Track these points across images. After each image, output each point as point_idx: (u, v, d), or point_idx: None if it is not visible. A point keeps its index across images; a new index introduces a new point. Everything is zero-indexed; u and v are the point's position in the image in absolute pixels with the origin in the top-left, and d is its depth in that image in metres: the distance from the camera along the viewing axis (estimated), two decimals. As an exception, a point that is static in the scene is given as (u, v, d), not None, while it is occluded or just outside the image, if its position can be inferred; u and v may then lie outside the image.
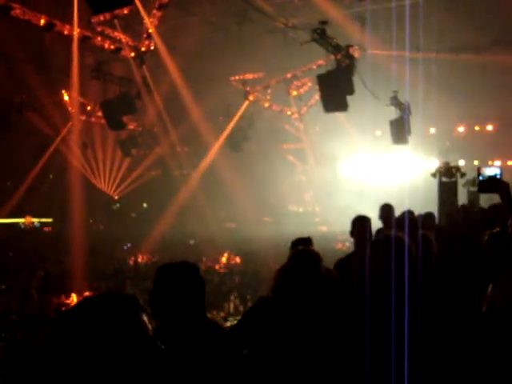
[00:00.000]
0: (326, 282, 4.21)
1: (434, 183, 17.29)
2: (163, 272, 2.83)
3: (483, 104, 29.91)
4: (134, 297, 1.68)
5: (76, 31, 18.22)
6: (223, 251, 22.95)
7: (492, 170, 4.93)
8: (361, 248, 4.93)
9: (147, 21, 19.24)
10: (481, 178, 4.78)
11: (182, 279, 2.76)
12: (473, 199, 16.27)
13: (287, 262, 3.65)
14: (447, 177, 15.57)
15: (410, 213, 5.83)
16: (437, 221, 8.53)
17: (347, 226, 5.78)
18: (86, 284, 14.50)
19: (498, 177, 4.64)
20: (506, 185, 4.30)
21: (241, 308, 13.25)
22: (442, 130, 34.92)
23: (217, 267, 20.74)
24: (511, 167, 32.26)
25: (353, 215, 5.62)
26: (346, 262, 4.97)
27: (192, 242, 29.00)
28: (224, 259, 22.06)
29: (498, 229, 4.24)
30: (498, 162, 32.17)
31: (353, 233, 5.21)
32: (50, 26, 17.27)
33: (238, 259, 21.86)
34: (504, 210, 4.29)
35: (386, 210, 5.89)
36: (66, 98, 32.08)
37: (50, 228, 37.62)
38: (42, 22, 16.94)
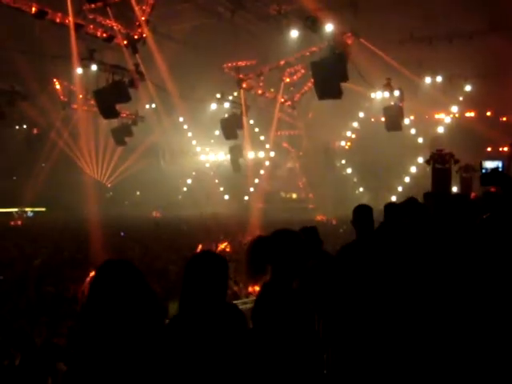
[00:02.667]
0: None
1: (426, 168, 17.39)
2: (195, 262, 3.10)
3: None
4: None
5: (69, 19, 18.06)
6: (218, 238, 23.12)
7: (494, 163, 4.98)
8: (363, 237, 4.96)
9: (139, 8, 19.09)
10: (483, 171, 4.82)
11: (212, 270, 3.04)
12: (466, 185, 16.40)
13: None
14: (441, 163, 15.63)
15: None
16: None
17: (341, 212, 5.83)
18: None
19: (500, 169, 4.65)
20: (509, 178, 4.34)
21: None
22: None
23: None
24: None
25: (346, 202, 5.64)
26: (348, 250, 4.99)
27: (185, 227, 28.96)
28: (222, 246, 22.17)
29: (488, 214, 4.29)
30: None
31: (354, 222, 5.21)
32: (41, 13, 17.07)
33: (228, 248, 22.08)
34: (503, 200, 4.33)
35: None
36: (57, 86, 31.93)
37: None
38: (34, 9, 16.76)
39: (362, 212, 5.20)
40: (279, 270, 3.46)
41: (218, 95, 28.88)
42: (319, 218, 30.65)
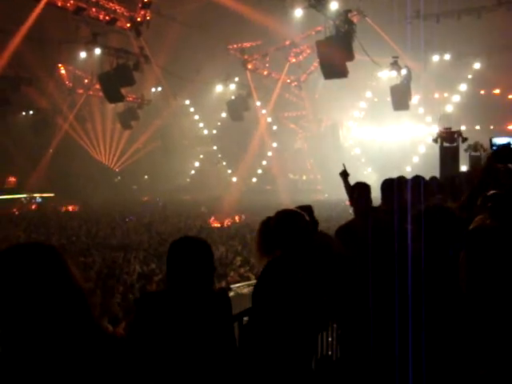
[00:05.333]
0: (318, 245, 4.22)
1: (435, 148, 17.21)
2: (177, 246, 3.00)
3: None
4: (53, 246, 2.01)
5: (71, 2, 17.91)
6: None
7: (504, 139, 4.86)
8: (360, 216, 4.88)
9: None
10: (494, 148, 4.71)
11: (196, 254, 2.95)
12: (475, 164, 16.20)
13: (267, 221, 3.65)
14: (449, 142, 15.44)
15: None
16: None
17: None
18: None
19: None
20: None
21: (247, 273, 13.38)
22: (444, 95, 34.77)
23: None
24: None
25: (354, 182, 5.55)
26: (346, 229, 4.91)
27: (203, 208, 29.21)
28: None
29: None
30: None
31: (351, 200, 5.12)
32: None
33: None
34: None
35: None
36: (62, 71, 31.85)
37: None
38: (35, -7, 16.66)
39: (359, 190, 5.11)
40: (284, 250, 3.47)
41: (224, 77, 28.73)
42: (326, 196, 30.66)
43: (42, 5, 17.92)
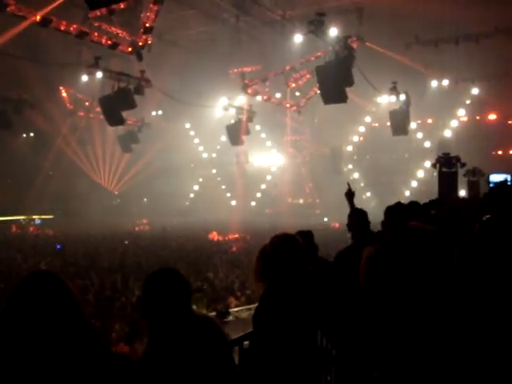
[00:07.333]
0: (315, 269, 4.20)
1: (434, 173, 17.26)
2: (151, 281, 2.95)
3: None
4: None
5: (74, 27, 18.11)
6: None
7: (501, 176, 4.84)
8: (359, 241, 4.88)
9: (144, 15, 19.10)
10: (491, 185, 4.68)
11: (169, 285, 2.90)
12: (474, 189, 16.24)
13: (268, 245, 3.64)
14: (447, 167, 15.51)
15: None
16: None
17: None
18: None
19: (509, 183, 4.45)
20: None
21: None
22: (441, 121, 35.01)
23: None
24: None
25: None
26: (345, 255, 4.91)
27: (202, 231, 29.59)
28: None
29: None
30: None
31: (349, 226, 5.13)
32: (46, 22, 17.14)
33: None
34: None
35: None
36: (64, 94, 32.06)
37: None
38: (38, 18, 16.81)
39: (357, 216, 5.12)
40: (279, 275, 3.45)
41: (225, 101, 28.90)
42: (335, 225, 30.66)
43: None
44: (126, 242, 24.98)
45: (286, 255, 3.48)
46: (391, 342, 2.08)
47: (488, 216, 3.90)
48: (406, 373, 2.02)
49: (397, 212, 4.69)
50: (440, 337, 2.05)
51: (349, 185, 5.95)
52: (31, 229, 35.01)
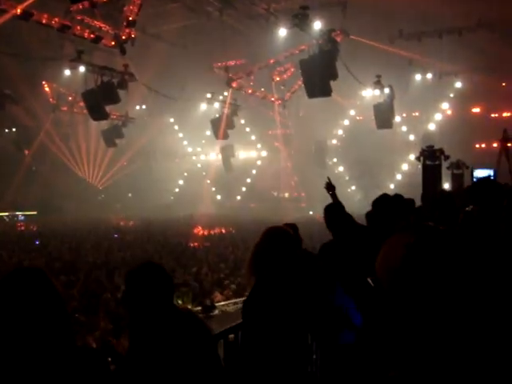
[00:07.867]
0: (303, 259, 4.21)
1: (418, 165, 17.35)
2: (133, 276, 2.95)
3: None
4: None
5: (55, 20, 17.87)
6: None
7: (485, 172, 4.84)
8: (338, 235, 4.88)
9: (127, 9, 18.89)
10: (474, 179, 4.68)
11: (151, 280, 2.90)
12: (457, 182, 16.37)
13: (260, 239, 3.65)
14: (431, 160, 15.59)
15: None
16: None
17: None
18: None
19: (492, 178, 4.46)
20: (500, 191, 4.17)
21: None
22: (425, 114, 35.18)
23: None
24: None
25: (340, 199, 5.53)
26: (329, 247, 4.91)
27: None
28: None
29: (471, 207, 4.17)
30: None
31: (326, 222, 5.10)
32: (27, 15, 16.87)
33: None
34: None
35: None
36: (46, 89, 31.74)
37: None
38: (19, 11, 16.54)
39: (332, 211, 5.11)
40: (270, 268, 3.50)
41: (209, 95, 28.80)
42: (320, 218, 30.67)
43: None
44: (116, 236, 24.88)
45: (278, 248, 3.52)
46: (416, 340, 1.98)
47: (471, 206, 3.93)
48: (428, 375, 1.90)
49: (384, 203, 4.70)
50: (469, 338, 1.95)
51: (329, 179, 5.90)
52: (18, 224, 34.73)
